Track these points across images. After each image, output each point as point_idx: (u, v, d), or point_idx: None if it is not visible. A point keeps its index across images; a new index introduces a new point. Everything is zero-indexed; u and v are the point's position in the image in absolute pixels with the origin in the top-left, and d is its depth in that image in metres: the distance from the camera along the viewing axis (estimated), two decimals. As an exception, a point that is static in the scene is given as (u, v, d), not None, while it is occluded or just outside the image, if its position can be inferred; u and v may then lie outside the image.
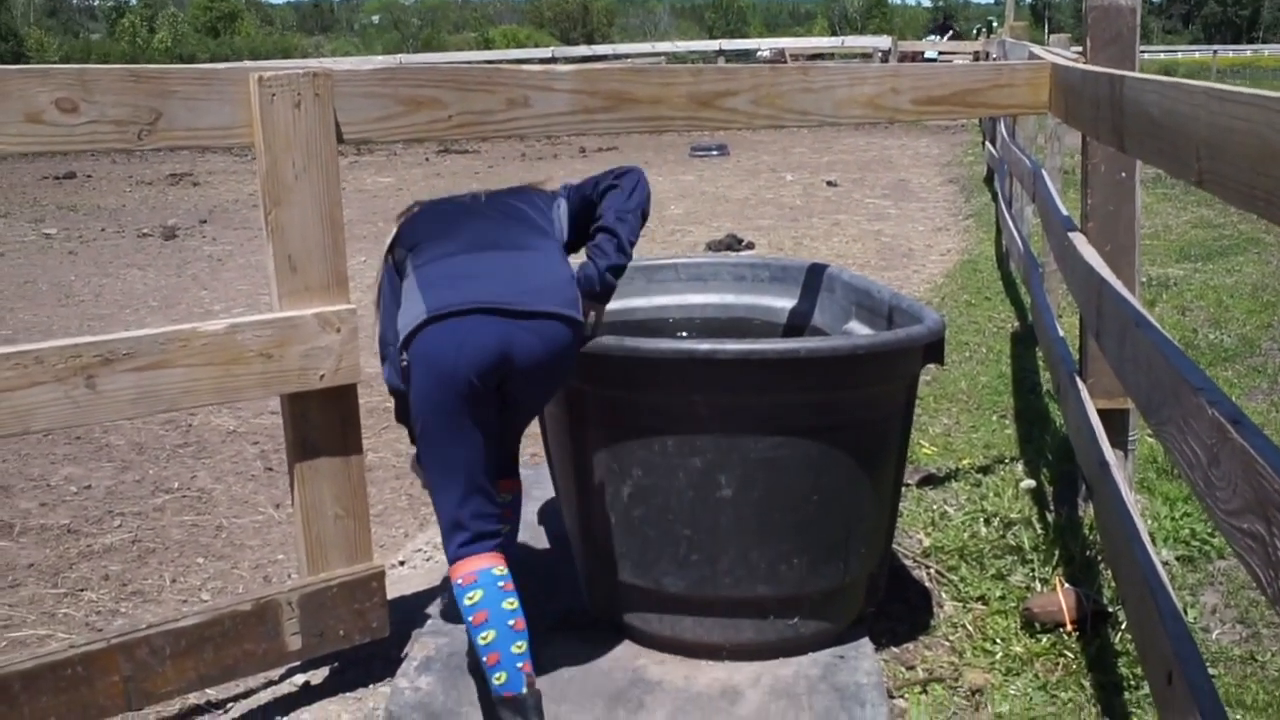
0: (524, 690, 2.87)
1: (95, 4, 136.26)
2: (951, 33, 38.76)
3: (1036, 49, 7.57)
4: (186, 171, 19.05)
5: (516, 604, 2.92)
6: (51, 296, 9.93)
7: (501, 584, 2.92)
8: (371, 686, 3.31)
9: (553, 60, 28.81)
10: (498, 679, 2.86)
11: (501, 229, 3.04)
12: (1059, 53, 5.76)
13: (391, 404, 3.21)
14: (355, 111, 3.00)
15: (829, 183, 15.49)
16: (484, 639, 2.86)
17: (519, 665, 2.87)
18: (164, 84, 2.75)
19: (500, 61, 26.94)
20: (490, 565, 2.92)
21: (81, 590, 4.32)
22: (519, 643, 2.89)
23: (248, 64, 2.79)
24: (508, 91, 3.18)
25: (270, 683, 3.45)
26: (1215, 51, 44.08)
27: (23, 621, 4.08)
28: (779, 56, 32.34)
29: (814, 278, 4.07)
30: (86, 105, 2.67)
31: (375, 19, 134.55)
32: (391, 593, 3.47)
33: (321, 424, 3.06)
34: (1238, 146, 1.73)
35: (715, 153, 19.26)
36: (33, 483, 5.45)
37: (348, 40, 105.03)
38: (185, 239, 12.83)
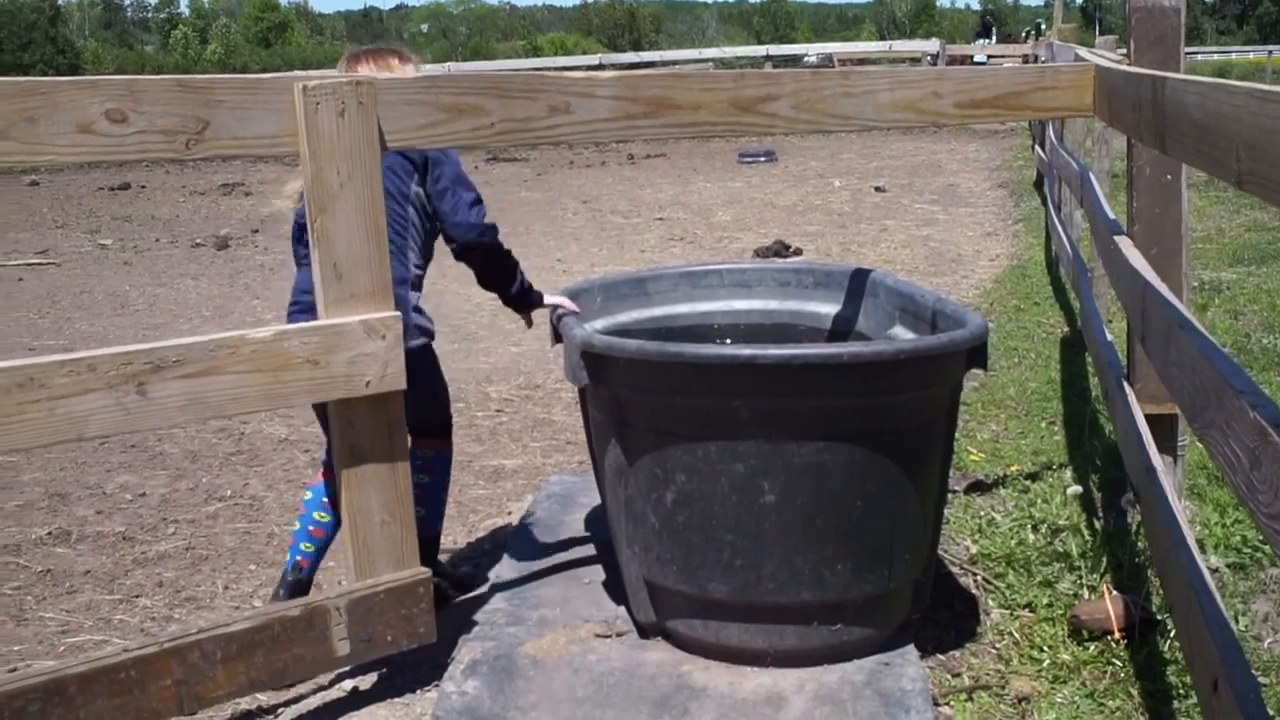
0: (287, 570, 3.73)
1: (149, 16, 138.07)
2: (994, 34, 38.54)
3: (1082, 51, 7.53)
4: (239, 181, 19.26)
5: (328, 518, 3.67)
6: (107, 306, 10.08)
7: (325, 499, 3.68)
8: (419, 692, 3.34)
9: (600, 67, 28.87)
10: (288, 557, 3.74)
11: None
12: (1104, 54, 5.74)
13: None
14: (398, 119, 3.03)
15: (877, 188, 15.45)
16: (294, 527, 3.74)
17: (297, 556, 3.71)
18: (211, 94, 2.79)
19: (546, 68, 27.03)
20: (325, 480, 3.70)
21: (136, 597, 4.39)
22: (308, 544, 3.71)
23: (294, 73, 2.82)
24: (549, 98, 3.20)
25: (319, 688, 3.49)
26: (1270, 52, 43.54)
27: (79, 627, 4.15)
28: (826, 61, 32.31)
29: (858, 283, 4.07)
30: (135, 115, 2.71)
31: (424, 27, 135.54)
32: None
33: (368, 430, 3.09)
34: (1278, 147, 1.73)
35: (763, 159, 19.26)
36: (89, 490, 5.54)
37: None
38: (238, 248, 12.98)
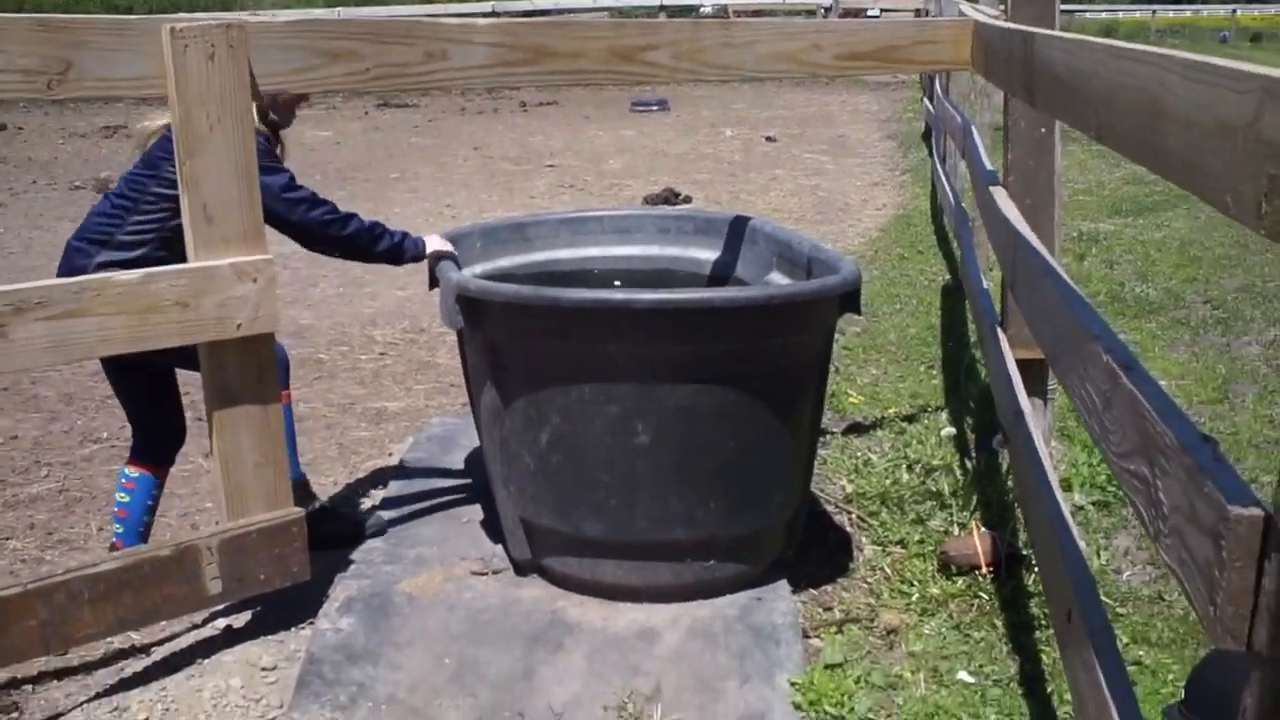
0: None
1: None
2: None
3: (965, 6, 7.61)
4: (120, 124, 18.74)
5: (126, 499, 3.67)
6: (-20, 249, 9.81)
7: (123, 481, 3.69)
8: (294, 629, 3.35)
9: (493, 14, 28.56)
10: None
11: None
12: (984, 10, 5.81)
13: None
14: (271, 64, 2.99)
15: (768, 138, 15.52)
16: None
17: (114, 539, 3.67)
18: (75, 34, 2.74)
19: (440, 15, 26.67)
20: (125, 467, 3.73)
21: (6, 539, 4.32)
22: (117, 525, 3.67)
23: (169, 16, 2.76)
24: (426, 44, 3.19)
25: (193, 626, 3.48)
26: (1154, 11, 44.27)
27: (-53, 571, 4.08)
28: (721, 12, 32.23)
29: (737, 230, 4.12)
30: (-6, 53, 2.65)
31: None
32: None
33: (239, 372, 3.07)
34: (1130, 102, 1.78)
35: (655, 108, 19.23)
36: (-41, 434, 5.43)
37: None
38: (119, 191, 12.66)
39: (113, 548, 3.66)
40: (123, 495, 3.69)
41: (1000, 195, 3.92)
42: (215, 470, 3.15)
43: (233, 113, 2.91)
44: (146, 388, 3.64)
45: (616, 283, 4.17)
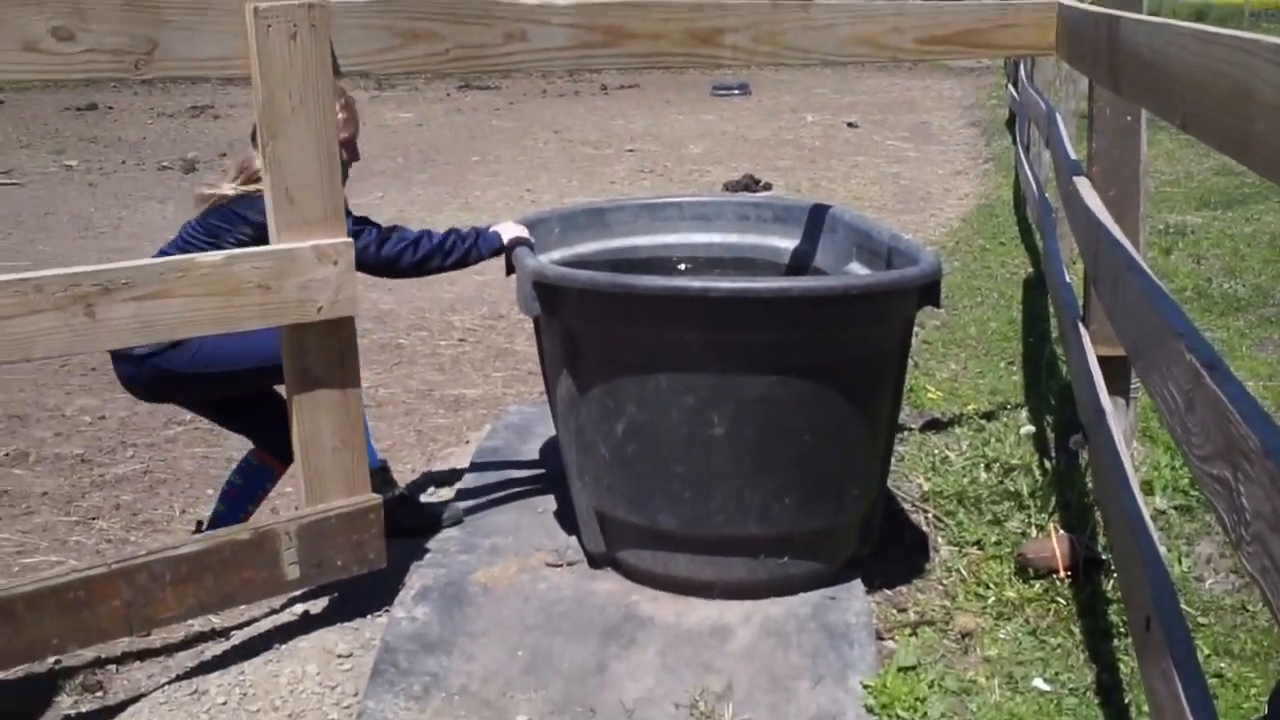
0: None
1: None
2: None
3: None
4: (208, 104, 19.05)
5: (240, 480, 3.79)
6: (71, 228, 9.99)
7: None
8: (369, 617, 3.36)
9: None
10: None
11: None
12: (1073, -6, 5.70)
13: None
14: (352, 44, 3.00)
15: (850, 124, 15.41)
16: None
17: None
18: (159, 13, 2.75)
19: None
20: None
21: (93, 519, 4.40)
22: (220, 504, 3.77)
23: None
24: (505, 25, 3.17)
25: (271, 611, 3.51)
26: (1249, -6, 43.31)
27: (35, 548, 4.16)
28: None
29: (817, 218, 4.07)
30: (83, 33, 2.67)
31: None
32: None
33: (320, 356, 3.08)
34: (1218, 89, 1.73)
35: (737, 92, 19.16)
36: (48, 412, 5.53)
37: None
38: (205, 172, 12.85)
39: (210, 524, 3.72)
40: (236, 477, 3.80)
41: (1084, 186, 3.84)
42: (296, 454, 3.16)
43: (315, 93, 2.91)
44: (248, 409, 3.71)
45: (681, 267, 4.14)
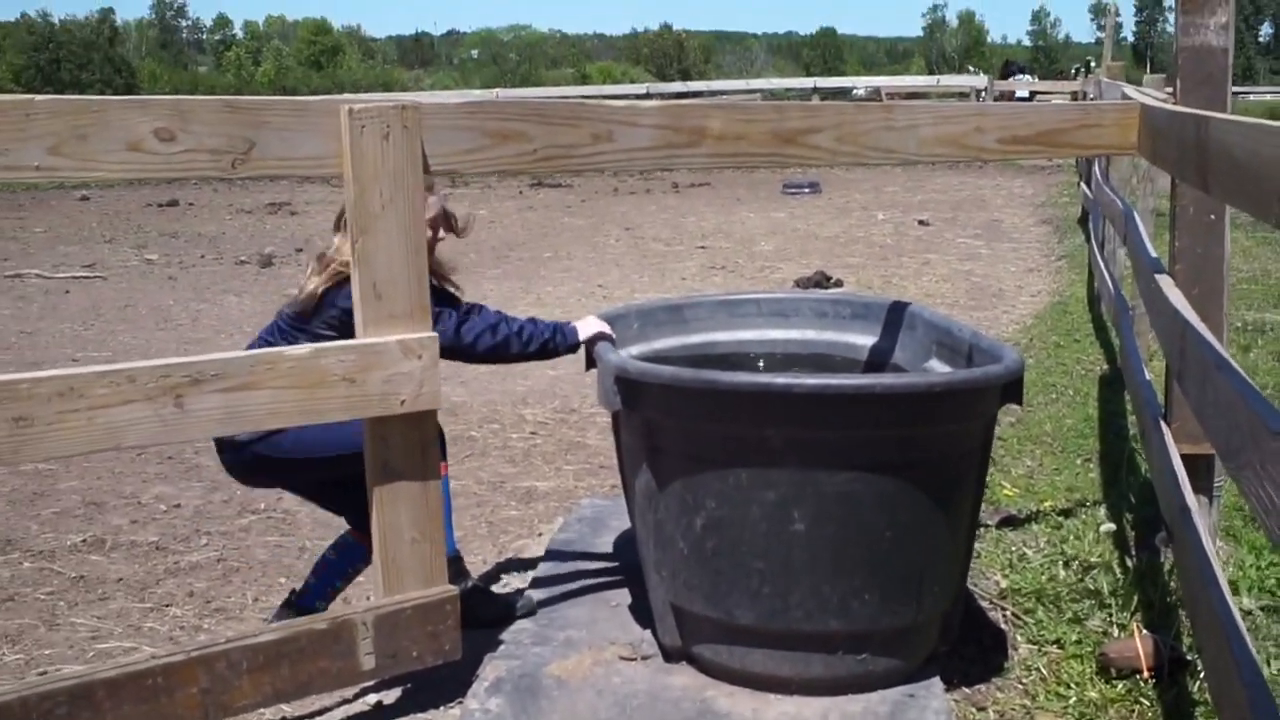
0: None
1: (204, 38, 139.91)
2: (1022, 74, 38.53)
3: (1129, 89, 7.51)
4: (285, 200, 19.43)
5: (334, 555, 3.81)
6: (151, 320, 10.18)
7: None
8: (442, 708, 3.36)
9: (647, 96, 28.98)
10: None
11: None
12: (1150, 93, 5.72)
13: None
14: (442, 144, 3.06)
15: (921, 222, 15.42)
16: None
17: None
18: (258, 115, 2.84)
19: (595, 97, 27.17)
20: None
21: (167, 606, 4.42)
22: (311, 577, 3.82)
23: (341, 96, 2.85)
24: (592, 126, 3.23)
25: (344, 700, 3.51)
26: (1323, 95, 43.21)
27: (110, 634, 4.19)
28: (874, 95, 32.29)
29: (895, 315, 4.07)
30: (184, 135, 2.76)
31: (475, 53, 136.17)
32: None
33: (401, 448, 3.11)
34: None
35: (807, 190, 19.26)
36: (125, 500, 5.60)
37: (447, 74, 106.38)
38: (281, 266, 13.09)
39: (294, 592, 3.86)
40: (330, 553, 3.86)
41: (1167, 284, 3.82)
42: (375, 545, 3.19)
43: (405, 192, 2.98)
44: (346, 491, 3.72)
45: (760, 364, 4.15)
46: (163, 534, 5.16)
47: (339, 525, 3.90)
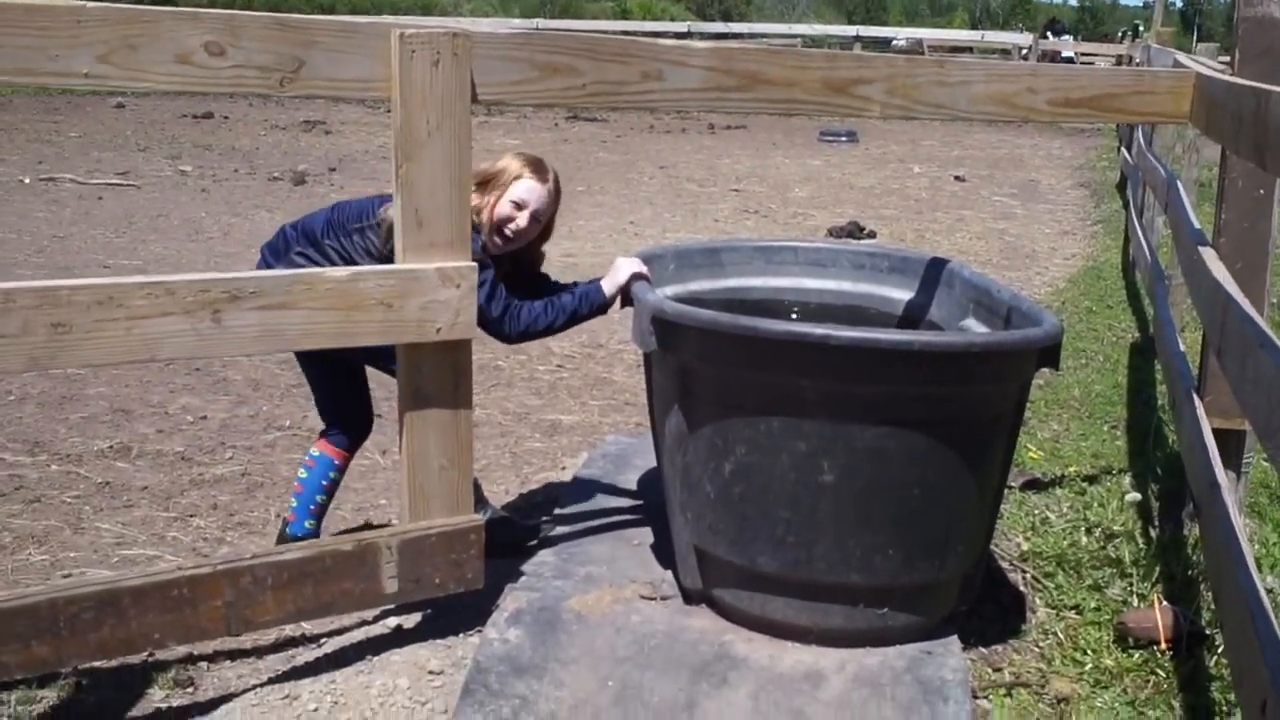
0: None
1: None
2: (1065, 34, 38.08)
3: (1182, 57, 7.40)
4: (320, 120, 19.39)
5: (304, 474, 3.84)
6: (182, 231, 10.20)
7: (306, 458, 3.91)
8: (462, 635, 3.38)
9: (689, 35, 28.77)
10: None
11: None
12: (1205, 62, 5.63)
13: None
14: (491, 74, 3.03)
15: (957, 177, 15.33)
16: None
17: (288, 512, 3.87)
18: (309, 34, 2.81)
19: (636, 33, 26.97)
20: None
21: (191, 516, 4.47)
22: (292, 499, 3.86)
23: (388, 18, 2.83)
24: (642, 64, 3.20)
25: (364, 622, 3.55)
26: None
27: (134, 540, 4.23)
28: (916, 47, 31.97)
29: (933, 272, 4.04)
30: (234, 50, 2.74)
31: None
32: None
33: (434, 375, 3.11)
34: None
35: (844, 139, 19.14)
36: (152, 409, 5.63)
37: (487, 2, 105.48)
38: (314, 185, 13.08)
39: (285, 521, 3.85)
40: (302, 471, 3.87)
41: (1210, 256, 3.78)
42: (402, 469, 3.20)
43: (451, 120, 2.96)
44: (337, 378, 3.79)
45: (794, 313, 4.13)
46: (188, 445, 5.20)
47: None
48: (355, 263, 3.46)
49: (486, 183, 3.59)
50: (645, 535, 3.85)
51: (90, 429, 5.34)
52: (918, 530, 3.15)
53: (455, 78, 2.94)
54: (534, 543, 3.86)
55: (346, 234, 3.55)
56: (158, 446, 5.17)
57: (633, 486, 4.30)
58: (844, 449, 3.03)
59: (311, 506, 3.81)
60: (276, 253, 3.62)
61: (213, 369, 6.20)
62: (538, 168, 3.68)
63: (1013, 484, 4.68)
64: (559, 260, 9.22)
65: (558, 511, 4.12)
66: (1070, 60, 28.57)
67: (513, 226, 3.60)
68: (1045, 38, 34.63)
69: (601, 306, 3.66)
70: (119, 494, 4.63)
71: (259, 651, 3.53)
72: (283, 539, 3.79)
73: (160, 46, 2.68)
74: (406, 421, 3.13)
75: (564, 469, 4.91)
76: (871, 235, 10.86)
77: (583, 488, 4.31)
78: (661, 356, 3.27)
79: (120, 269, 8.45)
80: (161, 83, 2.73)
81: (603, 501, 4.17)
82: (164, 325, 2.72)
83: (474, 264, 3.08)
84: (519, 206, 3.60)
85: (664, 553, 3.60)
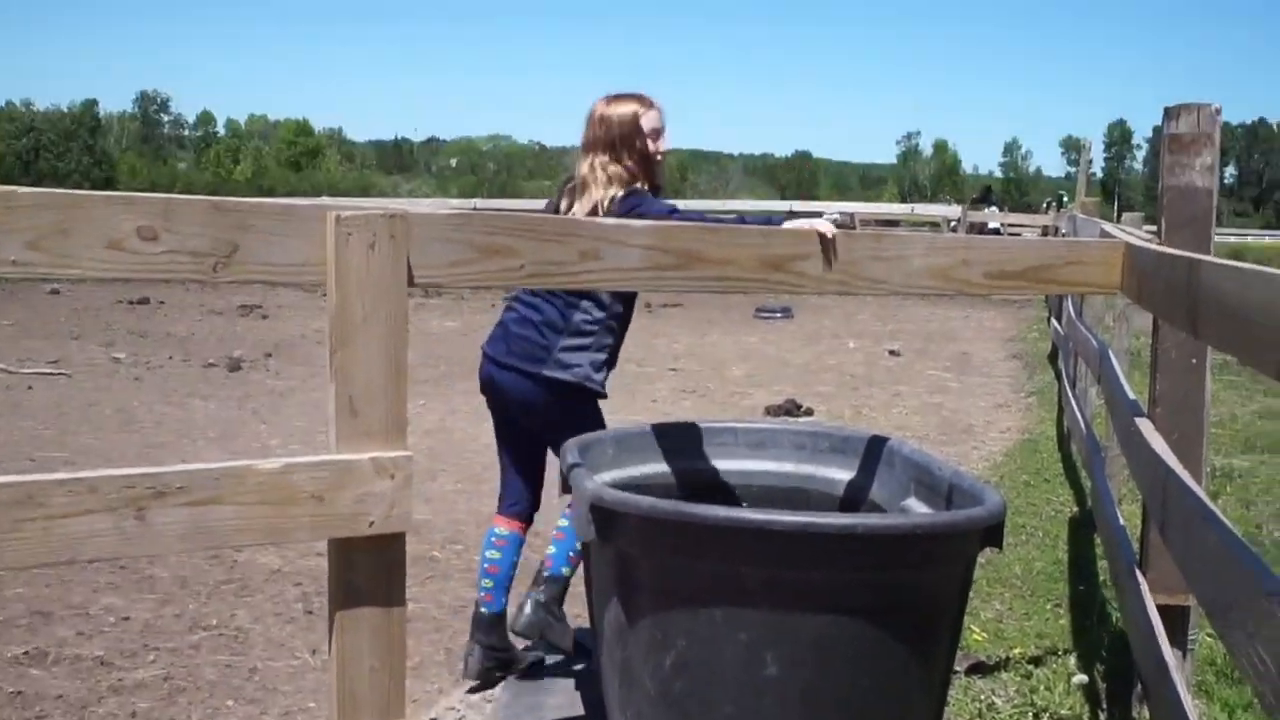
0: (476, 606, 4.50)
1: (185, 134, 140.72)
2: (999, 205, 39.13)
3: (1109, 226, 7.57)
4: (257, 304, 19.38)
5: (497, 555, 4.46)
6: (114, 421, 10.04)
7: (494, 539, 4.53)
8: None
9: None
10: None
11: None
12: (1133, 231, 5.74)
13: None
14: (429, 255, 3.00)
15: (891, 352, 15.48)
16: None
17: (480, 594, 4.46)
18: (244, 217, 2.77)
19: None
20: (495, 525, 4.60)
21: (106, 728, 4.25)
22: (486, 580, 4.45)
23: (326, 200, 2.87)
24: (581, 243, 3.18)
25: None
26: (1288, 240, 43.93)
27: (46, 755, 4.02)
28: (847, 220, 32.62)
29: (874, 450, 4.02)
30: (167, 235, 2.69)
31: (453, 162, 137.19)
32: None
33: (367, 571, 3.00)
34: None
35: (779, 315, 19.35)
36: (72, 610, 5.43)
37: (425, 181, 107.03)
38: (250, 371, 12.99)
39: (478, 603, 4.42)
40: (493, 552, 4.40)
41: (1147, 428, 3.78)
42: (331, 671, 3.06)
43: (387, 304, 2.90)
44: (541, 452, 4.51)
45: (736, 496, 4.08)
46: (108, 648, 4.99)
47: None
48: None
49: (615, 144, 4.30)
50: (587, 732, 3.73)
51: (5, 634, 5.11)
52: (867, 721, 3.05)
53: (392, 260, 2.90)
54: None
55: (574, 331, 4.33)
56: (76, 650, 4.96)
57: (572, 683, 4.18)
58: (788, 639, 2.95)
59: (507, 585, 4.44)
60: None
61: (138, 565, 6.01)
62: (638, 100, 4.37)
63: (957, 668, 4.59)
64: (488, 437, 9.15)
65: (495, 710, 3.98)
66: (997, 231, 29.23)
67: (660, 155, 4.40)
68: (978, 207, 35.48)
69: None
70: (31, 704, 4.41)
71: None
72: (483, 621, 4.43)
73: (92, 231, 2.61)
74: (337, 621, 3.01)
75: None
76: (809, 413, 10.89)
77: (522, 685, 4.18)
78: (601, 546, 3.19)
79: (47, 462, 8.27)
80: (92, 269, 2.65)
81: (541, 699, 4.04)
82: (86, 524, 2.60)
83: (410, 454, 3.00)
84: (657, 134, 4.35)
85: (607, 750, 3.47)
